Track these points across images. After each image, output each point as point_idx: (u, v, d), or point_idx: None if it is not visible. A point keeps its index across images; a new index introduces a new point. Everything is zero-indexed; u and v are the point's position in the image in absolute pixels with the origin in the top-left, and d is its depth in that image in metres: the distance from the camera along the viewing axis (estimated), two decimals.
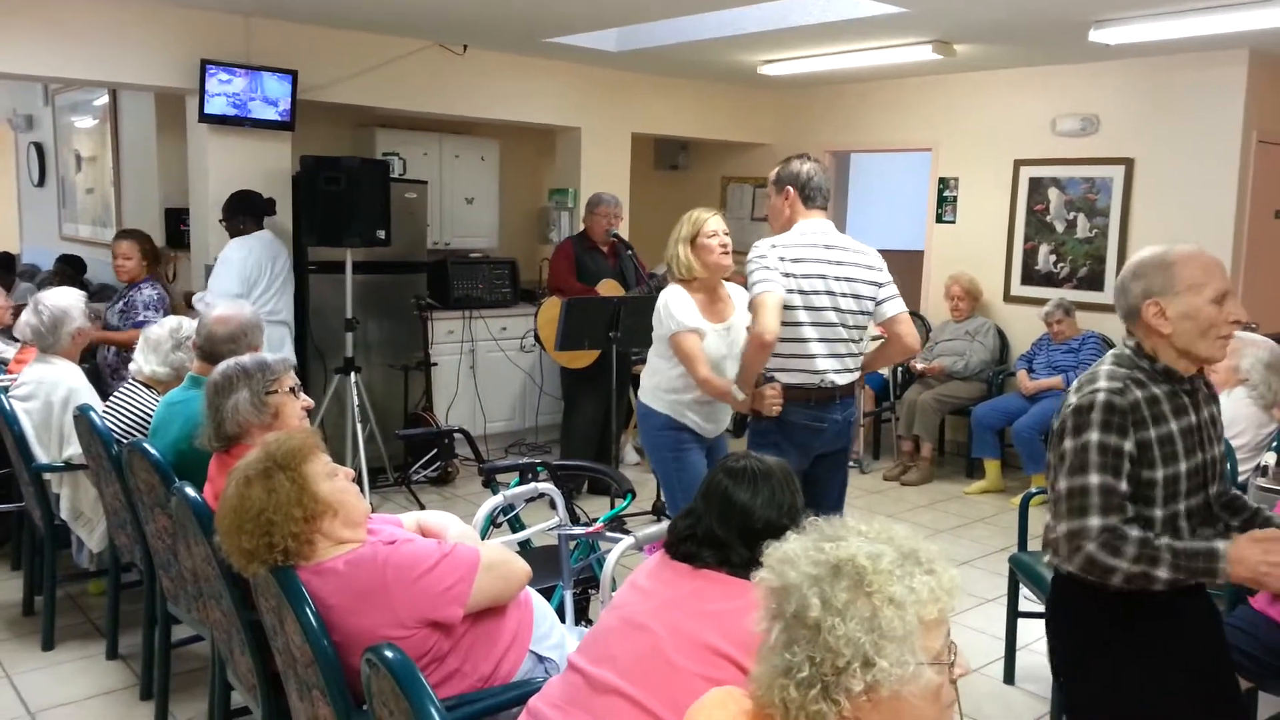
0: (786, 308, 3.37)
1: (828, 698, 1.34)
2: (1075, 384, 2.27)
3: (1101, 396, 2.16)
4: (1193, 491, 2.22)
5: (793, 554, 1.43)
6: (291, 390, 2.96)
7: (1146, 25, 5.17)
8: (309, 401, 3.05)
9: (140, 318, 5.09)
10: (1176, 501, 2.19)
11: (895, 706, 1.36)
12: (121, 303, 5.32)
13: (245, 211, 5.49)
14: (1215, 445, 2.31)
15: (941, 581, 1.41)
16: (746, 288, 3.48)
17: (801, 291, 3.40)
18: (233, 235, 5.45)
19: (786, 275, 3.38)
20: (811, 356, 3.44)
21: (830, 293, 3.44)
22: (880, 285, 3.56)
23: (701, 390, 3.66)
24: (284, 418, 2.89)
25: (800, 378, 3.43)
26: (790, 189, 3.55)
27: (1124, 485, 2.14)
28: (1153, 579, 2.09)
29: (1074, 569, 2.17)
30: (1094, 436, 2.14)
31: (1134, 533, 2.11)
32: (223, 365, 2.95)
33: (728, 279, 3.86)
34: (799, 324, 3.41)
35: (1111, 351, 2.32)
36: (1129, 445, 2.14)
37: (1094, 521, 2.12)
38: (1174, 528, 2.20)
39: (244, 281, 5.29)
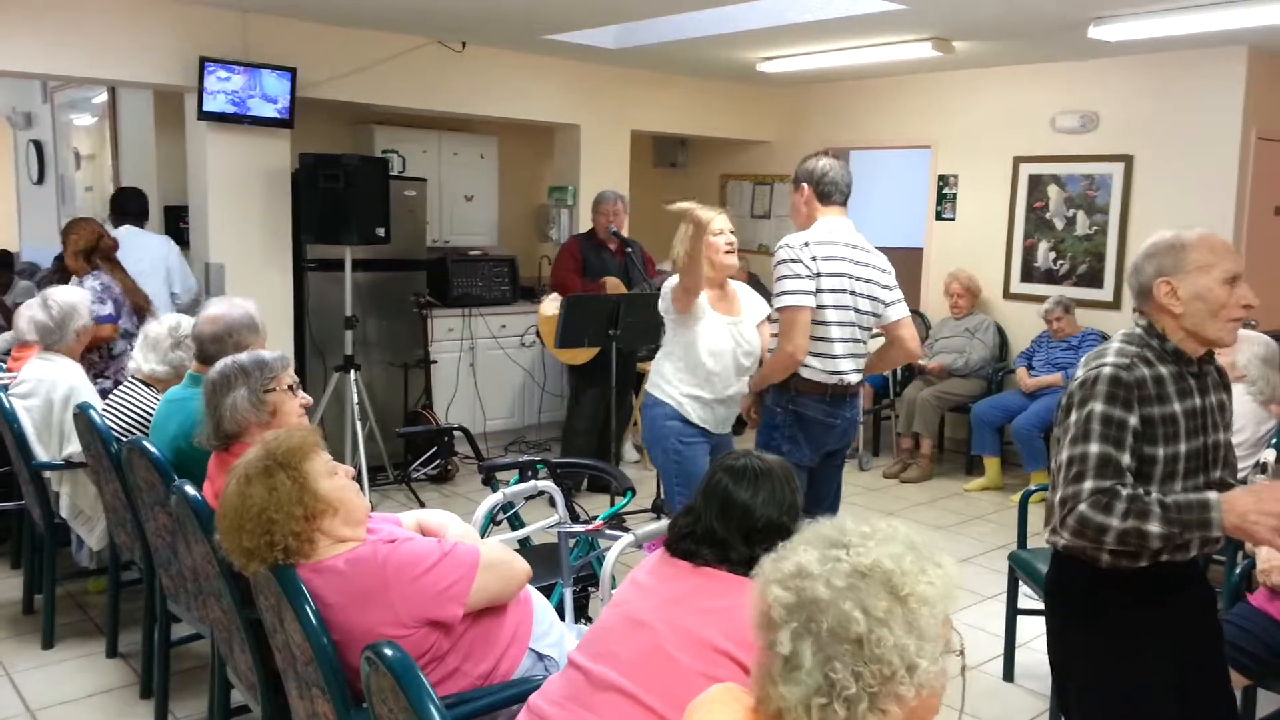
0: (815, 306, 3.38)
1: (875, 709, 1.34)
2: (1083, 360, 2.29)
3: (1108, 370, 2.18)
4: (1190, 474, 2.23)
5: (808, 567, 1.39)
6: (290, 388, 2.96)
7: (1146, 22, 5.17)
8: (307, 399, 3.04)
9: None
10: (1174, 482, 2.20)
11: (927, 702, 1.37)
12: None
13: (116, 210, 5.90)
14: (1221, 431, 2.32)
15: (949, 572, 1.42)
16: (771, 282, 3.47)
17: (832, 291, 3.40)
18: (116, 228, 5.70)
19: (818, 275, 3.37)
20: (833, 356, 3.44)
21: (853, 293, 3.46)
22: (889, 288, 3.57)
23: (684, 261, 3.57)
24: (282, 415, 2.89)
25: (820, 375, 3.44)
26: (806, 186, 3.54)
27: (1126, 458, 2.14)
28: (1145, 535, 2.08)
29: (1067, 536, 2.17)
30: (1098, 407, 2.15)
31: (1125, 491, 2.11)
32: (220, 363, 2.94)
33: (734, 278, 3.87)
34: (825, 323, 3.41)
35: (1122, 330, 2.34)
36: (1133, 419, 2.15)
37: (1088, 484, 2.12)
38: None
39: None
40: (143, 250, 5.63)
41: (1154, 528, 2.07)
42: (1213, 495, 2.09)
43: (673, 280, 3.76)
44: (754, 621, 1.44)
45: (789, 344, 3.38)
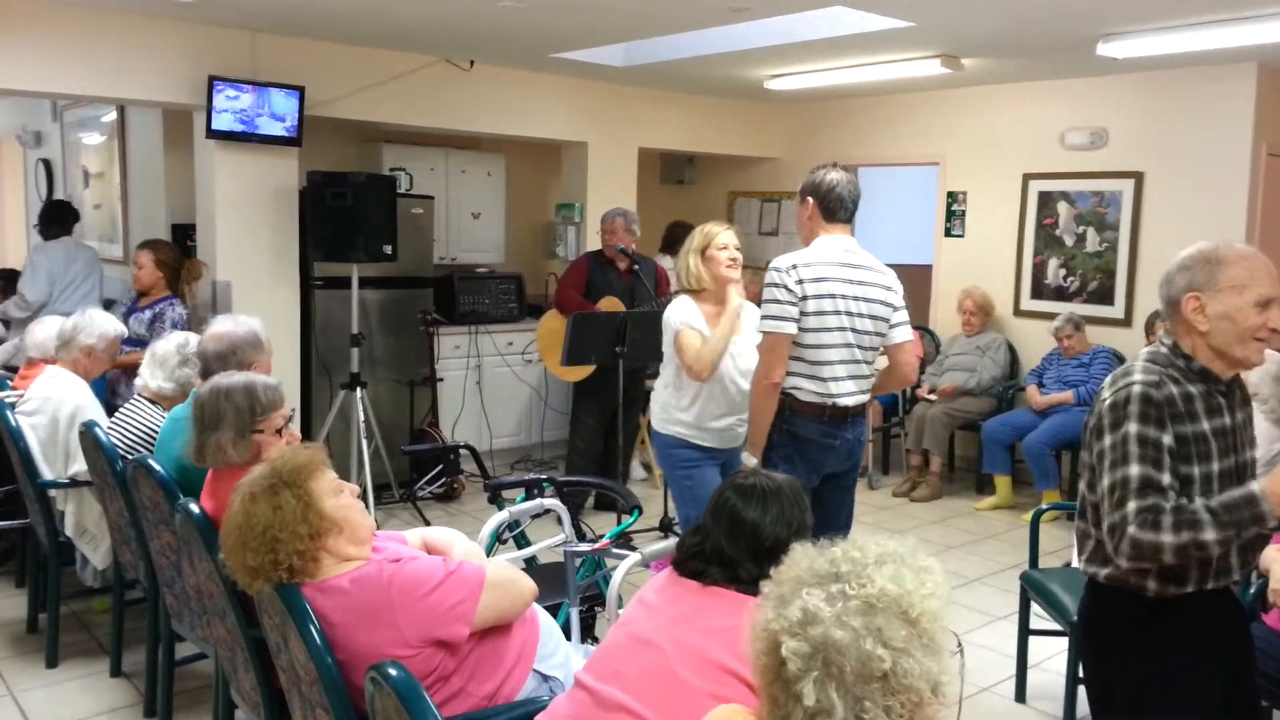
0: (803, 330, 3.32)
1: None
2: (1109, 380, 2.24)
3: (1138, 389, 2.13)
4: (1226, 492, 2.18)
5: (816, 611, 1.35)
6: (279, 431, 2.88)
7: (1154, 39, 5.15)
8: (296, 435, 2.98)
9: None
10: (1210, 502, 2.16)
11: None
12: (148, 313, 5.32)
13: (51, 220, 6.47)
14: (1248, 449, 2.29)
15: (938, 573, 1.41)
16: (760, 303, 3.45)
17: (819, 313, 3.33)
18: (46, 239, 6.44)
19: (804, 298, 3.31)
20: (826, 379, 3.38)
21: (849, 313, 3.37)
22: (895, 309, 3.49)
23: (688, 373, 3.68)
24: (266, 456, 2.83)
25: (813, 396, 3.39)
26: (810, 200, 3.46)
27: (1167, 477, 2.10)
28: (1203, 544, 2.04)
29: (1124, 561, 2.12)
30: (1133, 428, 2.11)
31: (1168, 504, 2.07)
32: (210, 390, 2.87)
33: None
34: (816, 346, 3.36)
35: (1146, 349, 2.29)
36: (1168, 438, 2.11)
37: (1132, 505, 2.08)
38: None
39: (49, 281, 6.14)
40: (82, 261, 6.37)
41: (1209, 535, 2.04)
42: (1255, 487, 2.06)
43: (679, 308, 3.76)
44: (763, 675, 1.40)
45: (761, 368, 3.37)
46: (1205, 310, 2.16)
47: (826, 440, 3.43)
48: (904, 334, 3.52)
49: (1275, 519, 2.06)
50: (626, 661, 1.97)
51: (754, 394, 3.43)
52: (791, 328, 3.30)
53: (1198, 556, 2.07)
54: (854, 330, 3.39)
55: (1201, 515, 2.04)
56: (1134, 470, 2.09)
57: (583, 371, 5.88)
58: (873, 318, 3.43)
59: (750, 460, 3.41)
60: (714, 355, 3.66)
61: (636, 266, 6.02)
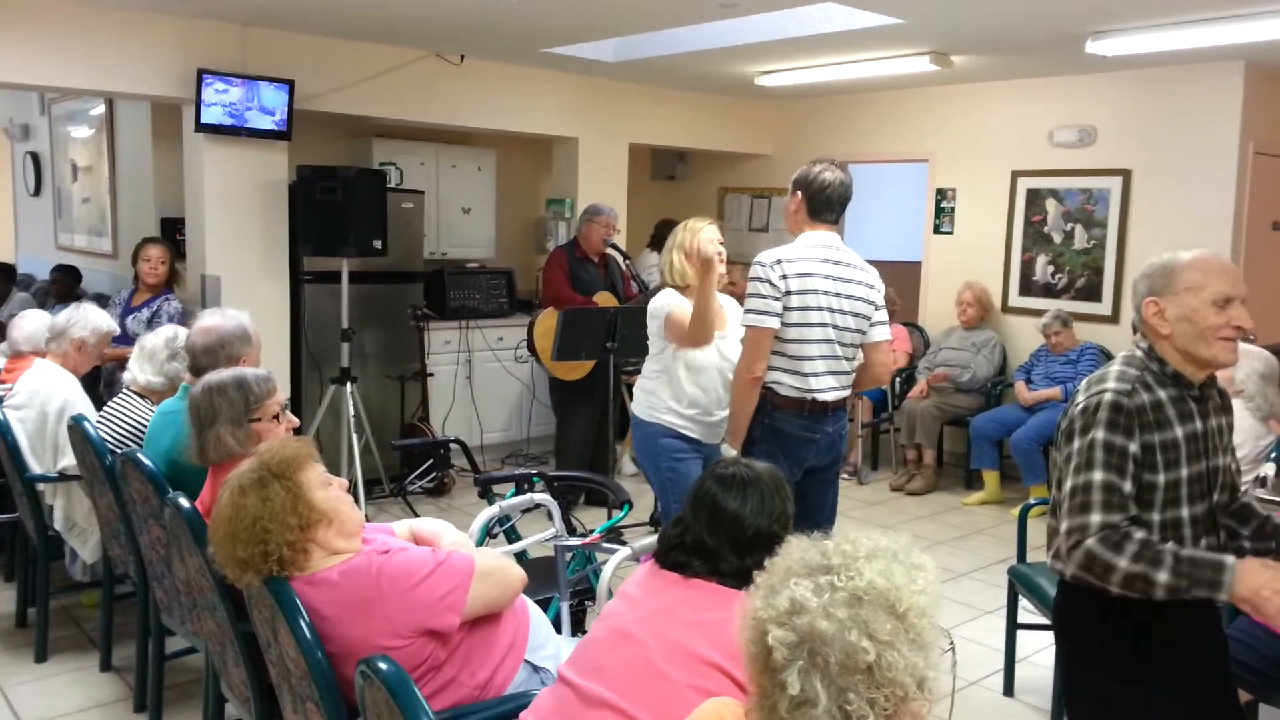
0: (786, 325, 3.33)
1: None
2: (1084, 384, 2.28)
3: (1109, 396, 2.16)
4: (1195, 498, 2.21)
5: (803, 601, 1.36)
6: (275, 416, 2.89)
7: (1143, 37, 5.18)
8: (294, 421, 2.99)
9: None
10: (1178, 507, 2.18)
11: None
12: (146, 311, 5.41)
13: None
14: (1222, 455, 2.30)
15: (931, 571, 1.41)
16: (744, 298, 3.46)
17: (804, 308, 3.34)
18: None
19: (788, 293, 3.32)
20: (807, 374, 3.39)
21: (831, 309, 3.38)
22: (877, 307, 3.51)
23: (694, 330, 3.65)
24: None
25: (794, 391, 3.41)
26: (800, 194, 3.47)
27: (1129, 485, 2.12)
28: (1151, 583, 2.06)
29: (1073, 567, 2.15)
30: (1100, 435, 2.14)
31: (1138, 534, 2.09)
32: (203, 386, 2.87)
33: (723, 291, 3.87)
34: (798, 341, 3.37)
35: (1122, 353, 2.32)
36: (1134, 446, 2.13)
37: (1095, 518, 2.10)
38: (1176, 534, 2.19)
39: None
40: None
41: (1162, 577, 2.05)
42: (1229, 560, 2.06)
43: (666, 296, 3.76)
44: (752, 664, 1.41)
45: (743, 363, 3.39)
46: (1165, 314, 2.21)
47: (807, 434, 3.45)
48: (882, 333, 3.54)
49: (1229, 597, 2.06)
50: (608, 655, 1.97)
51: (735, 387, 3.44)
52: (774, 322, 3.32)
53: (1141, 590, 2.08)
54: (835, 327, 3.41)
55: (1165, 558, 2.06)
56: (1098, 477, 2.12)
57: (583, 370, 5.88)
58: (855, 314, 3.45)
59: (730, 452, 3.41)
60: (710, 316, 3.66)
61: (627, 261, 6.04)
